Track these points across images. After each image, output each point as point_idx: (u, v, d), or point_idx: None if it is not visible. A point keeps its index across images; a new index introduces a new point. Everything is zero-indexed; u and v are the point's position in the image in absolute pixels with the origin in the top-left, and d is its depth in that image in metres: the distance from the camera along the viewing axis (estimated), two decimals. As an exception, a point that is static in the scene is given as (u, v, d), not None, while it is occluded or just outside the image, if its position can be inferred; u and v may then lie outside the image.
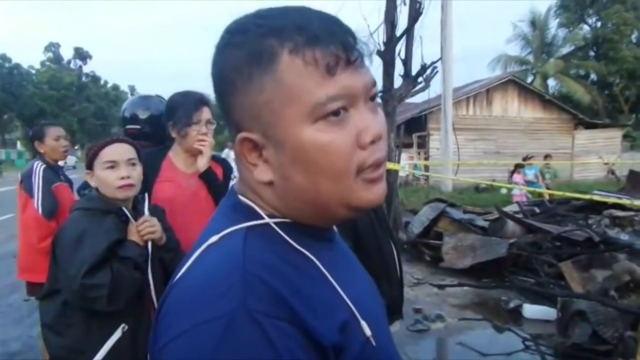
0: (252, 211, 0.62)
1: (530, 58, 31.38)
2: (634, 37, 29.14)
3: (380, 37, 7.43)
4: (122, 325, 1.62)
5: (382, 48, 7.36)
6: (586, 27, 31.06)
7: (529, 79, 28.19)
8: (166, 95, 2.26)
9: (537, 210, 7.85)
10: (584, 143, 19.57)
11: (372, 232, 1.92)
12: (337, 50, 0.56)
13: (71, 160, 32.53)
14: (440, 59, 8.71)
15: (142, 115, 2.47)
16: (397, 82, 7.48)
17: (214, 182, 2.02)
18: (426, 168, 15.69)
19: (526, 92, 19.62)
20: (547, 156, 11.35)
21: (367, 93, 0.59)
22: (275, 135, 0.58)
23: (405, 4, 7.44)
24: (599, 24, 29.93)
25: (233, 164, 1.92)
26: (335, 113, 0.56)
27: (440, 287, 5.54)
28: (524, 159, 10.57)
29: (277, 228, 0.60)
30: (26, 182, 2.93)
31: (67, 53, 52.36)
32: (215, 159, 2.12)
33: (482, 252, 5.87)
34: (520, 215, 7.11)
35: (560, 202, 8.14)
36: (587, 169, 19.02)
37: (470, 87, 19.95)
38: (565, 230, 5.93)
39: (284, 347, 0.50)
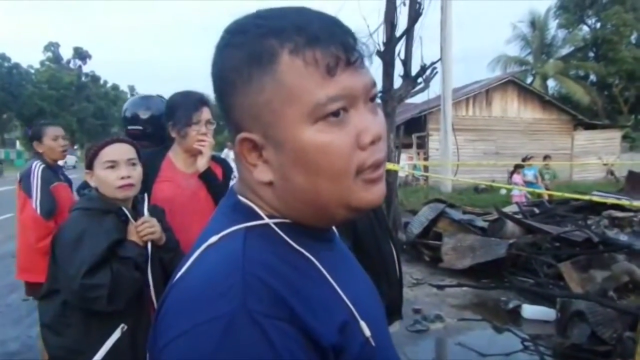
0: (251, 211, 0.62)
1: (530, 59, 31.42)
2: (633, 38, 29.19)
3: (380, 37, 7.44)
4: (122, 325, 1.62)
5: (382, 48, 7.36)
6: (586, 28, 31.13)
7: (529, 80, 28.23)
8: (167, 95, 2.26)
9: (536, 210, 7.86)
10: (583, 144, 19.59)
11: (371, 232, 1.92)
12: (337, 51, 0.56)
13: (71, 160, 32.54)
14: (440, 59, 8.71)
15: (144, 115, 2.47)
16: (397, 82, 7.49)
17: (214, 182, 2.02)
18: (425, 168, 15.69)
19: (526, 92, 19.64)
20: (546, 157, 11.36)
21: (367, 94, 0.59)
22: (275, 136, 0.58)
23: (405, 4, 7.44)
24: (598, 24, 29.98)
25: (232, 164, 1.92)
26: (335, 114, 0.56)
27: (440, 287, 5.54)
28: (524, 160, 10.58)
29: (276, 228, 0.60)
30: (24, 182, 2.93)
31: (66, 53, 52.43)
32: (214, 159, 2.12)
33: (481, 253, 5.88)
34: (519, 216, 7.12)
35: (560, 203, 8.15)
36: (587, 170, 19.04)
37: (470, 88, 19.96)
38: (565, 231, 5.93)
39: (284, 348, 0.50)
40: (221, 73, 0.60)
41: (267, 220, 0.61)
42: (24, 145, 38.40)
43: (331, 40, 0.56)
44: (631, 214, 6.58)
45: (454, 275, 5.89)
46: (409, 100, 10.62)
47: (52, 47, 50.53)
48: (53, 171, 3.05)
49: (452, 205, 7.80)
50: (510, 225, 6.43)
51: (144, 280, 1.67)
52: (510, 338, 4.28)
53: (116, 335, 1.60)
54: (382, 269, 1.93)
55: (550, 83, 29.90)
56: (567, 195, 7.19)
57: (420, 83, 7.57)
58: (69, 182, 3.21)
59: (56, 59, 50.58)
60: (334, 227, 0.72)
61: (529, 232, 6.28)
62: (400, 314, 2.09)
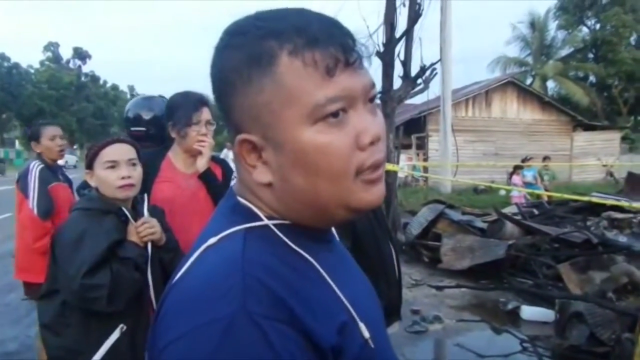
0: (251, 213, 0.62)
1: (530, 60, 31.44)
2: (632, 40, 29.23)
3: (380, 38, 7.45)
4: (121, 325, 1.61)
5: (382, 49, 7.36)
6: (585, 29, 31.17)
7: (528, 81, 28.25)
8: (168, 95, 2.26)
9: (535, 211, 7.87)
10: (582, 145, 19.61)
11: (371, 233, 1.92)
12: (336, 52, 0.56)
13: (72, 159, 32.55)
14: (440, 60, 8.73)
15: (146, 116, 2.47)
16: (397, 83, 7.50)
17: (213, 182, 2.02)
18: (425, 169, 15.69)
19: (525, 93, 19.66)
20: (545, 158, 11.37)
21: (366, 94, 0.59)
22: (274, 137, 0.58)
23: (404, 5, 7.45)
24: (598, 26, 30.01)
25: (232, 164, 1.92)
26: (335, 114, 0.56)
27: (439, 288, 5.54)
28: (523, 161, 10.58)
29: (276, 230, 0.60)
30: (22, 182, 2.93)
31: (66, 53, 52.38)
32: (214, 159, 2.13)
33: (480, 254, 5.88)
34: (518, 217, 7.12)
35: (559, 204, 8.16)
36: (586, 171, 19.06)
37: (470, 89, 19.98)
38: (564, 232, 5.94)
39: (283, 349, 0.50)
40: (221, 74, 0.60)
41: (266, 221, 0.61)
42: (23, 144, 38.38)
43: (330, 41, 0.56)
44: (630, 215, 6.58)
45: (453, 276, 5.89)
46: (409, 101, 10.63)
47: (51, 47, 50.50)
48: (52, 171, 3.04)
49: (451, 206, 7.80)
50: (509, 226, 6.43)
51: (143, 281, 1.67)
52: (509, 339, 4.28)
53: (115, 335, 1.60)
54: (382, 269, 1.93)
55: (550, 84, 29.93)
56: (567, 196, 7.19)
57: (419, 84, 7.58)
58: (69, 181, 3.20)
59: (56, 58, 50.53)
60: (333, 228, 0.72)
61: (528, 233, 6.29)
62: (399, 314, 2.09)
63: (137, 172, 1.72)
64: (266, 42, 0.56)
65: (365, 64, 0.60)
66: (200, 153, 2.01)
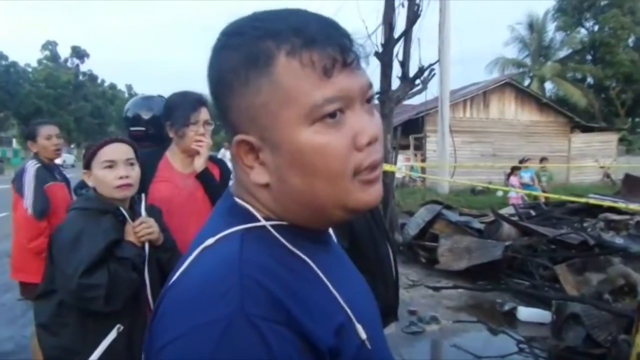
0: (248, 213, 0.62)
1: (528, 61, 31.50)
2: (630, 41, 29.28)
3: (379, 38, 7.44)
4: (118, 325, 1.61)
5: (380, 50, 7.36)
6: (583, 31, 31.22)
7: (526, 82, 28.30)
8: (167, 95, 2.26)
9: (532, 213, 7.88)
10: (580, 146, 19.66)
11: (368, 233, 1.92)
12: (334, 53, 0.56)
13: (69, 158, 32.48)
14: (438, 61, 8.75)
15: (145, 115, 2.47)
16: (395, 83, 7.50)
17: (211, 182, 2.02)
18: (423, 170, 15.71)
19: (523, 95, 19.70)
20: (543, 159, 11.39)
21: (363, 95, 0.59)
22: (272, 138, 0.58)
23: (403, 6, 7.46)
24: (596, 27, 30.07)
25: (229, 164, 1.92)
26: (332, 115, 0.56)
27: (436, 289, 5.55)
28: (521, 162, 10.60)
29: (273, 231, 0.60)
30: (18, 182, 2.92)
31: (64, 52, 52.25)
32: (212, 159, 2.12)
33: (477, 255, 5.88)
34: (515, 218, 7.13)
35: (556, 205, 8.17)
36: (583, 172, 19.10)
37: (468, 90, 20.01)
38: (561, 234, 5.95)
39: (281, 351, 0.50)
40: (218, 75, 0.60)
41: (263, 222, 0.61)
42: (21, 143, 38.24)
43: (328, 41, 0.56)
44: (627, 217, 6.59)
45: (450, 277, 5.90)
46: (407, 102, 10.63)
47: (49, 45, 50.34)
48: (49, 171, 3.03)
49: (448, 207, 7.82)
50: (506, 227, 6.45)
51: (141, 281, 1.67)
52: (505, 340, 4.28)
53: (112, 335, 1.60)
54: (379, 270, 1.93)
55: (548, 85, 30.02)
56: (564, 197, 7.21)
57: (418, 84, 7.58)
58: (66, 181, 3.19)
59: (54, 57, 50.37)
60: (330, 229, 0.72)
61: (525, 234, 6.30)
62: (396, 315, 2.09)
63: (135, 172, 1.72)
64: (263, 42, 0.56)
65: (363, 64, 0.61)
66: (198, 153, 2.01)
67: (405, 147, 17.25)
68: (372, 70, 7.34)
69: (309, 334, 0.53)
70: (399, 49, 7.45)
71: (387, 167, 6.55)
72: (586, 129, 20.36)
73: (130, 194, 1.73)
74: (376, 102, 7.25)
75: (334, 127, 0.56)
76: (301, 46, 0.55)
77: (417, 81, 7.53)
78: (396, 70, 7.45)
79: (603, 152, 19.19)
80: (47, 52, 50.11)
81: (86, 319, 1.60)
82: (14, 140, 44.36)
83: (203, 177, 2.01)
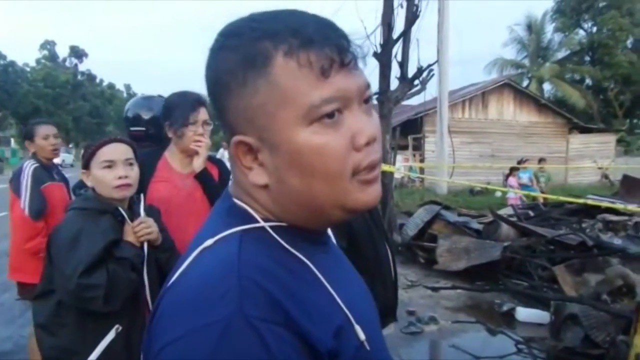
0: (247, 214, 0.62)
1: (526, 62, 31.56)
2: (629, 43, 29.36)
3: (377, 39, 7.44)
4: (116, 326, 1.61)
5: (379, 50, 7.36)
6: (582, 32, 31.30)
7: (525, 83, 28.34)
8: (167, 95, 2.26)
9: (531, 213, 7.88)
10: (578, 147, 19.70)
11: (367, 233, 1.92)
12: (331, 53, 0.56)
13: (69, 158, 32.43)
14: (437, 61, 8.73)
15: (145, 116, 2.47)
16: (394, 84, 7.50)
17: (210, 182, 2.02)
18: (421, 170, 15.72)
19: (522, 95, 19.73)
20: (541, 160, 11.41)
21: (361, 95, 0.59)
22: (270, 139, 0.58)
23: (402, 6, 7.46)
24: (594, 29, 30.15)
25: (228, 164, 1.91)
26: (330, 115, 0.56)
27: (434, 289, 5.55)
28: (519, 163, 10.62)
29: (272, 232, 0.60)
30: (15, 182, 2.92)
31: (62, 51, 52.16)
32: (211, 159, 2.12)
33: (476, 255, 5.89)
34: (514, 219, 7.14)
35: (554, 206, 8.17)
36: (581, 173, 19.14)
37: (466, 90, 20.04)
38: (559, 234, 5.95)
39: (280, 352, 0.50)
40: (215, 76, 0.60)
41: (262, 223, 0.61)
42: (19, 143, 38.18)
43: (325, 42, 0.56)
44: (625, 217, 6.60)
45: (449, 277, 5.90)
46: (405, 102, 10.65)
47: (48, 45, 50.26)
48: (47, 170, 3.02)
49: (447, 207, 7.82)
50: (505, 228, 6.45)
51: (139, 281, 1.67)
52: (504, 340, 4.29)
53: (111, 335, 1.59)
54: (378, 270, 1.93)
55: (546, 86, 30.06)
56: (562, 198, 7.21)
57: (416, 85, 7.58)
58: (65, 181, 3.18)
59: (52, 57, 50.29)
60: (329, 230, 0.72)
61: (524, 234, 6.30)
62: (395, 316, 2.09)
63: (134, 172, 1.72)
64: (261, 43, 0.56)
65: (360, 64, 0.61)
66: (196, 153, 2.00)
67: (404, 147, 17.25)
68: (371, 70, 7.34)
69: (308, 335, 0.53)
70: (397, 49, 7.45)
71: (385, 167, 6.55)
72: (584, 130, 20.40)
73: (129, 194, 1.73)
74: (375, 102, 7.25)
75: (332, 128, 0.56)
76: (299, 46, 0.55)
77: (416, 82, 7.53)
78: (395, 71, 7.46)
79: (601, 153, 19.23)
80: (45, 52, 50.03)
81: (85, 319, 1.60)
82: (12, 140, 44.26)
83: (202, 177, 2.01)
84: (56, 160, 3.29)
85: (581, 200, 6.33)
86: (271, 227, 0.61)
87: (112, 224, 1.67)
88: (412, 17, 7.38)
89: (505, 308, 4.86)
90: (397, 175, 12.61)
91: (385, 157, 7.02)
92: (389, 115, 7.42)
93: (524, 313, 4.66)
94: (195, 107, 1.98)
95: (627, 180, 8.84)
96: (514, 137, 18.81)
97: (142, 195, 1.82)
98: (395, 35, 7.34)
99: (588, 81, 30.87)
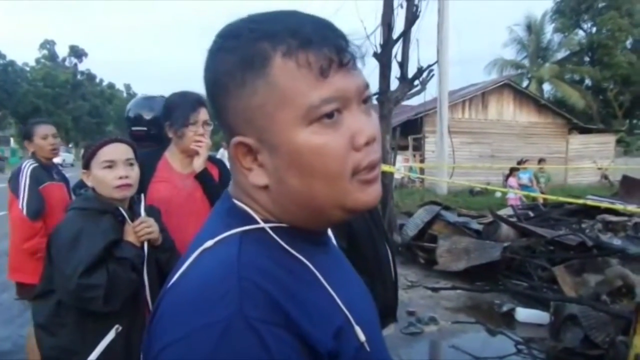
0: (247, 216, 0.62)
1: (526, 62, 31.57)
2: (628, 43, 29.39)
3: (377, 39, 7.44)
4: (116, 326, 1.61)
5: (379, 50, 7.36)
6: (581, 33, 31.32)
7: (525, 83, 28.36)
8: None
9: (531, 214, 7.89)
10: (578, 148, 19.71)
11: (367, 233, 1.92)
12: (330, 53, 0.56)
13: (69, 157, 32.42)
14: (437, 62, 8.73)
15: (147, 116, 2.47)
16: (394, 84, 7.50)
17: (210, 183, 2.02)
18: (421, 171, 15.73)
19: (521, 96, 19.74)
20: (541, 160, 11.42)
21: (360, 95, 0.59)
22: (269, 139, 0.58)
23: (402, 7, 7.46)
24: (594, 29, 30.18)
25: (228, 164, 1.91)
26: (329, 115, 0.56)
27: (434, 290, 5.55)
28: (519, 163, 10.63)
29: (272, 233, 0.60)
30: (13, 182, 2.91)
31: (62, 51, 52.14)
32: (211, 159, 2.12)
33: (476, 256, 5.89)
34: (514, 219, 7.14)
35: (554, 206, 8.18)
36: (581, 174, 19.15)
37: (466, 91, 20.04)
38: (559, 235, 5.95)
39: (280, 354, 0.50)
40: (214, 77, 0.60)
41: (262, 224, 0.61)
42: (19, 143, 38.16)
43: (324, 42, 0.56)
44: (625, 218, 6.61)
45: (449, 278, 5.90)
46: (406, 103, 10.65)
47: (47, 44, 50.23)
48: (46, 170, 3.01)
49: (447, 208, 7.83)
50: (504, 228, 6.45)
51: (139, 281, 1.67)
52: (503, 341, 4.29)
53: (110, 336, 1.59)
54: (378, 270, 1.92)
55: (546, 87, 30.08)
56: (562, 199, 7.21)
57: (416, 85, 7.58)
58: (65, 180, 3.18)
59: (52, 57, 50.26)
60: (329, 230, 0.72)
61: (524, 235, 6.30)
62: (395, 316, 2.09)
63: (135, 172, 1.72)
64: (259, 44, 0.56)
65: (359, 64, 0.60)
66: (197, 153, 2.00)
67: (404, 147, 17.26)
68: (371, 71, 7.34)
69: (308, 336, 0.52)
70: (397, 49, 7.45)
71: (385, 167, 6.55)
72: (584, 131, 20.41)
73: (130, 194, 1.73)
74: (375, 102, 7.25)
75: (332, 128, 0.56)
76: (297, 47, 0.55)
77: (416, 82, 7.53)
78: (395, 71, 7.46)
79: (601, 153, 19.24)
80: (45, 52, 50.00)
81: (85, 319, 1.60)
82: (12, 140, 44.26)
83: (202, 178, 2.01)
84: (57, 160, 3.29)
85: (581, 201, 6.34)
86: (271, 228, 0.61)
87: (113, 224, 1.67)
88: (412, 17, 7.38)
89: (505, 308, 4.86)
90: (397, 176, 12.61)
91: (385, 157, 7.02)
92: (389, 115, 7.42)
93: (523, 313, 4.66)
94: (195, 107, 1.97)
95: (626, 180, 8.84)
96: (514, 138, 18.82)
97: (142, 196, 1.82)
98: (395, 36, 7.34)
99: (588, 82, 30.90)
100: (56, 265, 1.61)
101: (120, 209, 1.70)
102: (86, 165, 1.71)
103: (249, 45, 0.57)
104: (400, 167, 14.28)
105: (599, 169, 17.80)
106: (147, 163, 1.96)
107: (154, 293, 1.65)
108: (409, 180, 17.02)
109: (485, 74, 30.46)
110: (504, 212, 8.11)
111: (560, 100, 27.18)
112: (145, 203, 1.80)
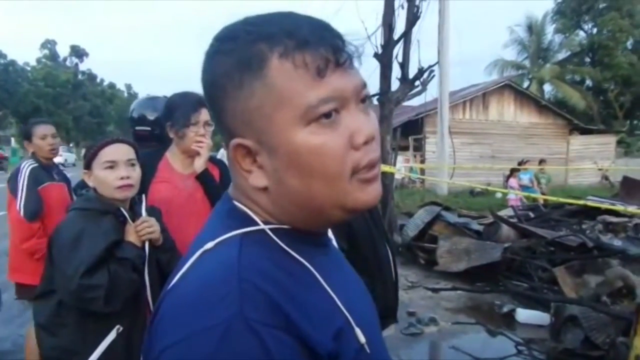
0: (247, 217, 0.62)
1: (527, 63, 31.56)
2: (629, 44, 29.39)
3: (378, 40, 7.45)
4: (117, 326, 1.61)
5: (380, 51, 7.37)
6: (582, 33, 31.33)
7: (525, 84, 28.35)
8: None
9: (531, 214, 7.88)
10: (578, 148, 19.70)
11: (367, 234, 1.91)
12: (327, 53, 0.56)
13: (71, 157, 32.42)
14: (437, 62, 8.75)
15: (151, 116, 2.48)
16: (394, 85, 7.50)
17: (211, 183, 2.02)
18: (422, 171, 15.72)
19: (522, 96, 19.74)
20: (541, 161, 11.41)
21: (357, 95, 0.59)
22: (268, 141, 0.58)
23: (403, 7, 7.47)
24: (594, 30, 30.18)
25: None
26: (327, 115, 0.56)
27: (434, 290, 5.55)
28: (519, 164, 10.62)
29: (272, 234, 0.60)
30: (12, 182, 2.90)
31: (63, 51, 52.19)
32: (212, 160, 2.12)
33: (476, 256, 5.89)
34: (514, 220, 7.13)
35: (555, 207, 8.17)
36: (582, 174, 19.14)
37: (467, 91, 20.04)
38: (559, 236, 5.95)
39: (280, 356, 0.50)
40: (212, 79, 0.60)
41: (262, 226, 0.61)
42: (19, 142, 38.18)
43: (320, 42, 0.56)
44: (625, 219, 6.60)
45: (449, 279, 5.90)
46: (406, 103, 10.65)
47: (48, 44, 50.28)
48: (46, 171, 3.00)
49: (447, 208, 7.82)
50: (505, 229, 6.45)
51: (140, 282, 1.67)
52: (504, 342, 4.29)
53: (111, 336, 1.59)
54: (378, 271, 1.92)
55: (547, 87, 30.08)
56: (562, 199, 7.21)
57: (417, 86, 7.59)
58: (66, 180, 3.17)
59: (53, 56, 50.32)
60: (329, 231, 0.72)
61: (524, 236, 6.30)
62: (395, 317, 2.09)
63: (136, 173, 1.72)
64: (256, 46, 0.56)
65: (356, 64, 0.60)
66: (198, 154, 2.00)
67: (405, 148, 17.26)
68: (372, 71, 7.35)
69: (308, 338, 0.53)
70: (398, 50, 7.46)
71: (386, 168, 6.55)
72: (585, 131, 20.41)
73: (131, 195, 1.73)
74: (375, 103, 7.25)
75: (330, 127, 0.56)
76: (294, 48, 0.55)
77: (417, 82, 7.54)
78: (396, 72, 7.47)
79: (601, 154, 19.22)
80: (46, 51, 50.06)
81: (85, 320, 1.60)
82: (12, 139, 44.27)
83: (203, 178, 2.01)
84: (58, 160, 3.29)
85: (581, 202, 6.34)
86: (271, 229, 0.61)
87: (114, 225, 1.67)
88: (412, 18, 7.39)
89: (505, 309, 4.86)
90: (397, 176, 12.61)
91: (386, 157, 7.02)
92: (389, 116, 7.43)
93: (524, 314, 4.66)
94: (196, 107, 1.97)
95: (627, 181, 8.83)
96: (515, 138, 18.82)
97: (143, 196, 1.82)
98: (396, 36, 7.34)
99: (588, 82, 30.90)
100: (57, 266, 1.61)
101: (122, 209, 1.70)
102: (87, 166, 1.71)
103: (245, 47, 0.57)
104: (401, 167, 14.28)
105: (600, 169, 17.79)
106: (148, 163, 1.96)
107: (155, 293, 1.65)
108: (409, 181, 17.02)
109: (486, 74, 30.50)
110: (504, 212, 8.11)
111: (561, 101, 27.17)
112: (146, 203, 1.80)
